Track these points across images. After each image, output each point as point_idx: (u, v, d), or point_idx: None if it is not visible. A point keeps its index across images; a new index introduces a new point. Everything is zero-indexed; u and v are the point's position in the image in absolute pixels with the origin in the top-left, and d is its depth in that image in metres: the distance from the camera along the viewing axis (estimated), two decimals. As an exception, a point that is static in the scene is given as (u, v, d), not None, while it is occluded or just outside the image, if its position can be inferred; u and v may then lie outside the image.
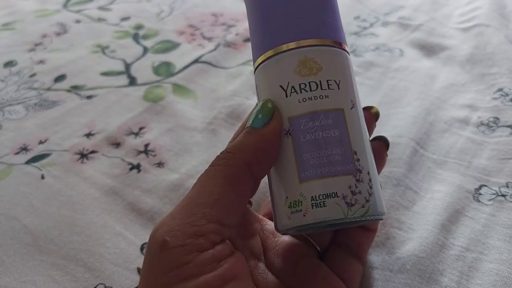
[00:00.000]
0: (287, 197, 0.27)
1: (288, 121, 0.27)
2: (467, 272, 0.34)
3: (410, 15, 0.71)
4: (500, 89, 0.53)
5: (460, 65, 0.58)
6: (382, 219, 0.29)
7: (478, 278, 0.33)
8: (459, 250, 0.35)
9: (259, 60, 0.29)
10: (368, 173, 0.27)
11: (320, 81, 0.27)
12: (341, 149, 0.27)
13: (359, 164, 0.27)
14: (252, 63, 0.33)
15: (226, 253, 0.25)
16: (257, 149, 0.27)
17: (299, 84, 0.27)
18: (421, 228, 0.37)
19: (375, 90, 0.54)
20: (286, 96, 0.28)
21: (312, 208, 0.26)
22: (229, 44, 0.65)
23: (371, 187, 0.27)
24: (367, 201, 0.26)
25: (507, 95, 0.51)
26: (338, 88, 0.28)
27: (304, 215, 0.26)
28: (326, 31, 0.29)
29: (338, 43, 0.29)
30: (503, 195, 0.40)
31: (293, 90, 0.27)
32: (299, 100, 0.27)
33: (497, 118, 0.48)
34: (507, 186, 0.40)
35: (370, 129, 0.32)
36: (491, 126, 0.47)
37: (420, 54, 0.61)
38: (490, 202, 0.39)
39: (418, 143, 0.45)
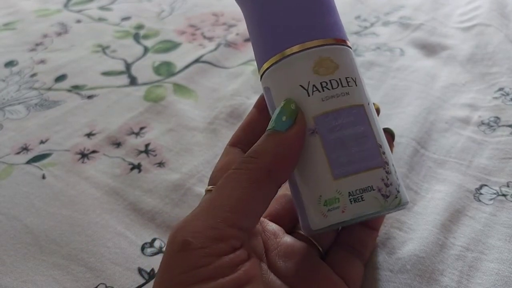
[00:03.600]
0: (320, 196, 0.27)
1: (313, 120, 0.27)
2: (467, 271, 0.34)
3: (410, 14, 0.71)
4: (501, 89, 0.53)
5: (461, 64, 0.58)
6: (407, 207, 0.30)
7: (478, 277, 0.33)
8: (459, 250, 0.35)
9: (271, 61, 0.29)
10: (393, 165, 0.28)
11: (339, 79, 0.28)
12: (369, 144, 0.27)
13: (385, 157, 0.28)
14: (255, 63, 0.32)
15: (244, 258, 0.25)
16: (280, 154, 0.27)
17: (320, 83, 0.28)
18: (422, 228, 0.37)
19: (376, 89, 0.54)
20: (308, 95, 0.28)
21: (351, 203, 0.26)
22: (229, 44, 0.65)
23: (397, 178, 0.28)
24: (398, 191, 0.27)
25: (507, 94, 0.51)
26: (356, 85, 0.28)
27: (343, 211, 0.26)
28: (334, 30, 0.29)
29: (345, 41, 0.29)
30: (504, 195, 0.40)
31: (315, 89, 0.28)
32: (322, 98, 0.27)
33: (498, 118, 0.48)
34: (508, 186, 0.40)
35: None
36: (492, 126, 0.47)
37: (420, 53, 0.61)
38: (491, 202, 0.39)
39: (418, 143, 0.45)
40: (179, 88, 0.56)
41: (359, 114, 0.28)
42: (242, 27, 0.68)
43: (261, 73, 0.30)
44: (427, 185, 0.41)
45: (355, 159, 0.27)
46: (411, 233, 0.37)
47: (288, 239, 0.32)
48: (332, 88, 0.27)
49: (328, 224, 0.27)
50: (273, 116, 0.28)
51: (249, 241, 0.28)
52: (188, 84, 0.57)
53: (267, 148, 0.27)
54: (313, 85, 0.28)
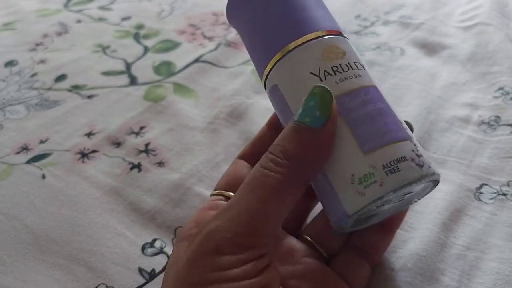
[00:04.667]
0: (353, 175, 0.26)
1: None
2: (468, 271, 0.34)
3: (411, 14, 0.70)
4: (501, 88, 0.53)
5: (461, 64, 0.58)
6: (439, 181, 0.28)
7: (479, 277, 0.33)
8: (460, 249, 0.36)
9: (275, 59, 0.29)
10: (416, 140, 0.28)
11: (348, 63, 0.28)
12: (391, 118, 0.27)
13: (408, 132, 0.28)
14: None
15: (266, 264, 0.25)
16: (317, 156, 0.26)
17: (331, 68, 0.28)
18: (422, 227, 0.37)
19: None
20: (321, 80, 0.28)
21: (387, 175, 0.25)
22: (230, 44, 0.64)
23: (424, 151, 0.28)
24: (430, 162, 0.27)
25: (508, 93, 0.51)
26: (364, 69, 0.29)
27: (381, 185, 0.25)
28: (330, 22, 0.30)
29: (342, 33, 0.31)
30: (504, 194, 0.40)
31: (327, 74, 0.28)
32: (336, 81, 0.28)
33: (498, 117, 0.48)
34: (508, 185, 0.40)
35: None
36: (492, 125, 0.47)
37: (421, 53, 0.61)
38: (491, 201, 0.39)
39: (419, 142, 0.45)
40: (179, 88, 0.56)
41: (375, 93, 0.28)
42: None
43: (265, 75, 0.31)
44: (427, 184, 0.41)
45: (382, 132, 0.26)
46: (412, 232, 0.37)
47: (290, 241, 0.32)
48: (344, 71, 0.28)
49: (368, 201, 0.25)
50: (304, 107, 0.26)
51: (272, 247, 0.28)
52: (188, 84, 0.57)
53: (302, 149, 0.25)
54: (325, 71, 0.28)
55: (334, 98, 0.26)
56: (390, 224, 0.33)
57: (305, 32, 0.29)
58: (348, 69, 0.28)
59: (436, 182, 0.28)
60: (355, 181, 0.26)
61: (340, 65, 0.28)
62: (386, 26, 0.68)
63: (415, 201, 0.31)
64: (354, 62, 0.29)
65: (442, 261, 0.35)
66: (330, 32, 0.29)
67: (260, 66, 0.31)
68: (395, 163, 0.26)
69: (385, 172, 0.25)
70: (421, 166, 0.26)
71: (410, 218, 0.38)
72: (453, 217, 0.38)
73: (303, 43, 0.29)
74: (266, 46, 0.30)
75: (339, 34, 0.30)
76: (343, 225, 0.28)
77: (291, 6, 0.30)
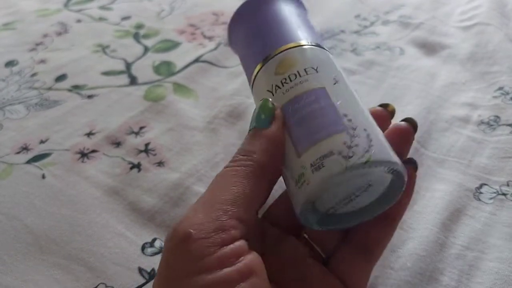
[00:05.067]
0: (293, 178, 0.27)
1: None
2: (467, 270, 0.34)
3: (410, 13, 0.71)
4: (501, 88, 0.53)
5: (461, 63, 0.58)
6: (396, 169, 0.27)
7: (478, 276, 0.34)
8: (459, 249, 0.36)
9: (251, 82, 0.33)
10: (365, 130, 0.27)
11: (298, 71, 0.30)
12: (328, 115, 0.28)
13: (352, 123, 0.27)
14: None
15: (245, 250, 0.25)
16: (269, 150, 0.28)
17: (281, 81, 0.30)
18: (422, 227, 0.37)
19: (375, 89, 0.54)
20: (273, 95, 0.30)
21: (313, 173, 0.26)
22: (229, 43, 0.65)
23: (370, 140, 0.27)
24: (367, 151, 0.26)
25: (507, 93, 0.51)
26: (317, 72, 0.30)
27: (308, 183, 0.26)
28: (295, 36, 0.33)
29: (307, 42, 0.32)
30: (504, 194, 0.40)
31: (277, 87, 0.30)
32: (283, 92, 0.30)
33: (498, 117, 0.48)
34: (508, 185, 0.40)
35: (386, 126, 0.32)
36: (492, 125, 0.47)
37: (420, 52, 0.61)
38: (491, 201, 0.39)
39: (418, 142, 0.45)
40: (179, 88, 0.56)
41: (319, 94, 0.29)
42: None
43: (250, 87, 0.34)
44: (427, 184, 0.41)
45: (313, 131, 0.27)
46: (411, 232, 0.37)
47: (288, 242, 0.32)
48: (291, 81, 0.30)
49: (302, 201, 0.27)
50: (253, 116, 0.30)
51: (249, 235, 0.28)
52: (188, 84, 0.57)
53: (255, 145, 0.28)
54: (275, 85, 0.30)
55: (274, 104, 0.29)
56: (391, 216, 0.31)
57: (266, 53, 0.32)
58: (296, 77, 0.30)
59: (393, 172, 0.27)
60: (294, 182, 0.27)
61: (289, 76, 0.30)
62: (385, 26, 0.68)
63: (398, 194, 0.29)
64: (305, 69, 0.30)
65: (442, 260, 0.35)
66: (286, 47, 0.32)
67: (247, 77, 0.35)
68: (321, 159, 0.26)
69: (311, 170, 0.26)
70: (348, 157, 0.25)
71: (409, 218, 0.38)
72: (453, 217, 0.38)
73: (263, 64, 0.32)
74: (247, 69, 0.35)
75: (299, 45, 0.32)
76: (304, 223, 0.29)
77: (262, 31, 0.34)
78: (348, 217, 0.29)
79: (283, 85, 0.30)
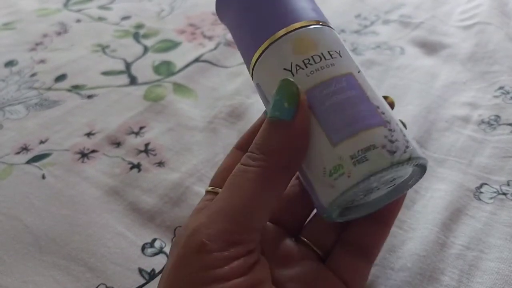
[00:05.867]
0: (325, 168, 0.26)
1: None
2: (467, 270, 0.34)
3: (411, 13, 0.70)
4: (501, 87, 0.53)
5: (461, 63, 0.58)
6: (424, 165, 0.27)
7: (478, 276, 0.33)
8: (459, 249, 0.35)
9: (254, 57, 0.30)
10: (397, 124, 0.27)
11: (322, 53, 0.28)
12: (364, 105, 0.26)
13: (386, 116, 0.26)
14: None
15: (256, 260, 0.25)
16: (292, 148, 0.26)
17: (303, 61, 0.27)
18: (422, 227, 0.37)
19: (376, 88, 0.54)
20: (293, 75, 0.27)
21: (355, 166, 0.25)
22: (229, 43, 0.64)
23: (405, 135, 0.26)
24: (407, 147, 0.26)
25: (508, 93, 0.51)
26: (341, 56, 0.28)
27: (349, 176, 0.25)
28: (308, 14, 0.30)
29: (322, 22, 0.30)
30: (504, 194, 0.40)
31: (298, 68, 0.27)
32: (307, 74, 0.27)
33: (498, 116, 0.48)
34: (508, 185, 0.40)
35: None
36: (492, 124, 0.47)
37: (421, 52, 0.61)
38: (491, 201, 0.39)
39: (419, 142, 0.45)
40: (179, 88, 0.56)
41: (348, 81, 0.27)
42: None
43: (251, 75, 0.31)
44: (427, 183, 0.41)
45: (351, 121, 0.26)
46: (411, 232, 0.37)
47: (287, 242, 0.31)
48: (315, 63, 0.27)
49: (338, 193, 0.25)
50: (273, 102, 0.26)
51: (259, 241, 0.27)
52: (188, 84, 0.57)
53: (276, 142, 0.25)
54: (296, 65, 0.27)
55: (300, 89, 0.26)
56: (385, 216, 0.31)
57: (277, 28, 0.29)
58: (321, 59, 0.27)
59: (421, 166, 0.27)
60: (326, 174, 0.26)
61: (312, 57, 0.28)
62: (386, 25, 0.68)
63: (410, 186, 0.29)
64: (329, 51, 0.28)
65: (442, 260, 0.35)
66: (302, 25, 0.29)
67: (247, 65, 0.32)
68: (363, 152, 0.25)
69: (353, 162, 0.25)
70: (393, 152, 0.25)
71: (409, 218, 0.38)
72: (453, 217, 0.38)
73: (275, 40, 0.29)
74: (247, 46, 0.31)
75: (314, 23, 0.29)
76: (327, 216, 0.27)
77: (266, 4, 0.30)
78: (361, 208, 0.29)
79: (306, 66, 0.27)
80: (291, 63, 0.28)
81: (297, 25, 0.29)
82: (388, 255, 0.35)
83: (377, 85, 0.55)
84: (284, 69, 0.28)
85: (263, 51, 0.29)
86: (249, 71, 0.32)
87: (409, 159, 0.25)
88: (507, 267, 0.34)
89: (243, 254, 0.24)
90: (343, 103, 0.26)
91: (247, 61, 0.31)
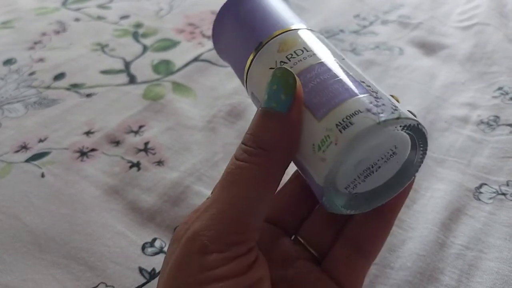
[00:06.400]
0: (313, 145, 0.25)
1: None
2: (467, 270, 0.34)
3: (410, 13, 0.71)
4: (500, 88, 0.53)
5: (460, 63, 0.58)
6: (419, 126, 0.25)
7: (478, 276, 0.34)
8: (459, 249, 0.36)
9: (245, 69, 0.31)
10: (385, 94, 0.26)
11: (303, 47, 0.29)
12: (347, 81, 0.26)
13: (372, 88, 0.26)
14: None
15: (255, 257, 0.25)
16: (292, 142, 0.25)
17: (286, 56, 0.28)
18: (421, 226, 0.37)
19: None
20: None
21: (341, 132, 0.24)
22: (228, 43, 0.64)
23: (394, 103, 0.26)
24: (395, 109, 0.25)
25: (507, 93, 0.51)
26: (320, 48, 0.29)
27: (336, 144, 0.24)
28: (288, 22, 0.31)
29: (302, 27, 0.31)
30: (503, 194, 0.40)
31: (282, 63, 0.28)
32: (291, 66, 0.28)
33: (497, 117, 0.48)
34: (507, 185, 0.40)
35: None
36: (491, 125, 0.47)
37: (420, 52, 0.61)
38: (490, 201, 0.39)
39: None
40: (178, 87, 0.56)
41: (331, 65, 0.27)
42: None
43: (245, 86, 0.32)
44: (426, 183, 0.41)
45: (333, 96, 0.25)
46: (411, 231, 0.37)
47: (284, 242, 0.31)
48: (297, 55, 0.28)
49: (329, 165, 0.24)
50: (269, 91, 0.25)
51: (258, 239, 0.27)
52: (187, 83, 0.57)
53: (273, 136, 0.25)
54: (281, 61, 0.28)
55: (297, 78, 0.26)
56: (386, 213, 0.30)
57: (262, 38, 0.30)
58: (303, 52, 0.28)
59: (416, 131, 0.26)
60: (315, 149, 0.25)
61: (294, 51, 0.28)
62: (385, 26, 0.68)
63: (416, 167, 0.28)
64: (309, 45, 0.29)
65: (442, 260, 0.35)
66: (284, 30, 0.30)
67: (243, 83, 0.33)
68: (348, 118, 0.24)
69: (339, 129, 0.24)
70: (379, 114, 0.24)
71: (409, 217, 0.38)
72: (452, 217, 0.38)
73: (261, 48, 0.30)
74: (240, 64, 0.32)
75: (295, 28, 0.31)
76: (329, 203, 0.26)
77: (250, 24, 0.32)
78: (368, 198, 0.28)
79: (289, 60, 0.28)
80: (276, 61, 0.29)
81: (278, 31, 0.30)
82: (388, 255, 0.35)
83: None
84: (270, 68, 0.29)
85: (251, 61, 0.30)
86: (244, 85, 0.33)
87: (398, 118, 0.24)
88: (506, 267, 0.34)
89: (243, 253, 0.24)
90: (327, 82, 0.26)
91: (241, 79, 0.33)
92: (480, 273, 0.34)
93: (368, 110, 0.24)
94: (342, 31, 0.67)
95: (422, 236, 0.36)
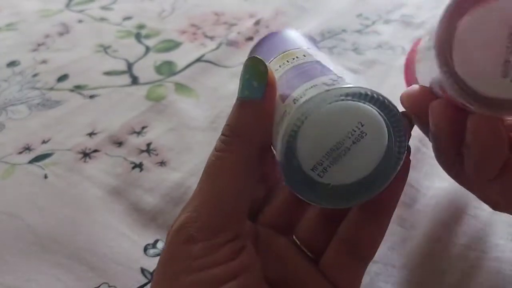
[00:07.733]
0: (277, 122, 0.25)
1: None
2: (468, 270, 0.34)
3: (412, 12, 0.70)
4: (503, 87, 0.52)
5: (463, 62, 0.58)
6: (374, 95, 0.24)
7: (480, 276, 0.34)
8: (460, 249, 0.36)
9: None
10: (356, 80, 0.26)
11: (303, 54, 0.30)
12: (315, 68, 0.27)
13: (336, 71, 0.26)
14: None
15: (242, 245, 0.25)
16: (264, 127, 0.26)
17: (287, 60, 0.30)
18: (423, 225, 0.37)
19: (377, 88, 0.54)
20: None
21: (295, 103, 0.24)
22: (231, 43, 0.65)
23: (359, 82, 0.25)
24: (355, 84, 0.24)
25: (509, 92, 0.51)
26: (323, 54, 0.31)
27: (289, 113, 0.24)
28: (302, 45, 0.34)
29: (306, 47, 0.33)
30: (505, 193, 0.40)
31: (281, 66, 0.29)
32: (288, 66, 0.28)
33: (500, 116, 0.48)
34: (509, 184, 0.40)
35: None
36: (494, 124, 0.47)
37: (422, 52, 0.61)
38: (492, 200, 0.39)
39: (420, 141, 0.45)
40: (180, 87, 0.56)
41: (317, 62, 0.28)
42: (243, 26, 0.68)
43: None
44: (428, 183, 0.41)
45: (298, 81, 0.26)
46: (412, 230, 0.37)
47: (279, 243, 0.30)
48: (297, 59, 0.29)
49: (282, 132, 0.24)
50: (242, 82, 0.26)
51: (244, 226, 0.27)
52: (190, 83, 0.57)
53: (246, 122, 0.25)
54: (279, 65, 0.29)
55: (268, 65, 0.26)
56: (379, 212, 0.28)
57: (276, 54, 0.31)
58: (298, 57, 0.29)
59: (386, 108, 0.25)
60: (276, 125, 0.25)
61: (295, 57, 0.29)
62: (387, 25, 0.68)
63: (398, 162, 0.25)
64: (308, 52, 0.30)
65: (443, 260, 0.35)
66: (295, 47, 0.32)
67: None
68: (303, 92, 0.24)
69: (294, 102, 0.24)
70: (332, 84, 0.24)
71: (410, 216, 0.38)
72: (454, 216, 0.38)
73: (273, 59, 0.31)
74: None
75: (305, 47, 0.32)
76: (291, 182, 0.25)
77: (277, 45, 0.34)
78: (352, 191, 0.26)
79: (288, 62, 0.29)
80: (279, 65, 0.30)
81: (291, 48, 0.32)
82: (389, 253, 0.35)
83: (378, 84, 0.55)
84: None
85: None
86: None
87: (349, 87, 0.24)
88: (508, 267, 0.34)
89: (230, 239, 0.25)
90: (298, 69, 0.27)
91: None
92: (481, 273, 0.34)
93: (324, 83, 0.24)
94: (344, 30, 0.67)
95: (424, 235, 0.36)
